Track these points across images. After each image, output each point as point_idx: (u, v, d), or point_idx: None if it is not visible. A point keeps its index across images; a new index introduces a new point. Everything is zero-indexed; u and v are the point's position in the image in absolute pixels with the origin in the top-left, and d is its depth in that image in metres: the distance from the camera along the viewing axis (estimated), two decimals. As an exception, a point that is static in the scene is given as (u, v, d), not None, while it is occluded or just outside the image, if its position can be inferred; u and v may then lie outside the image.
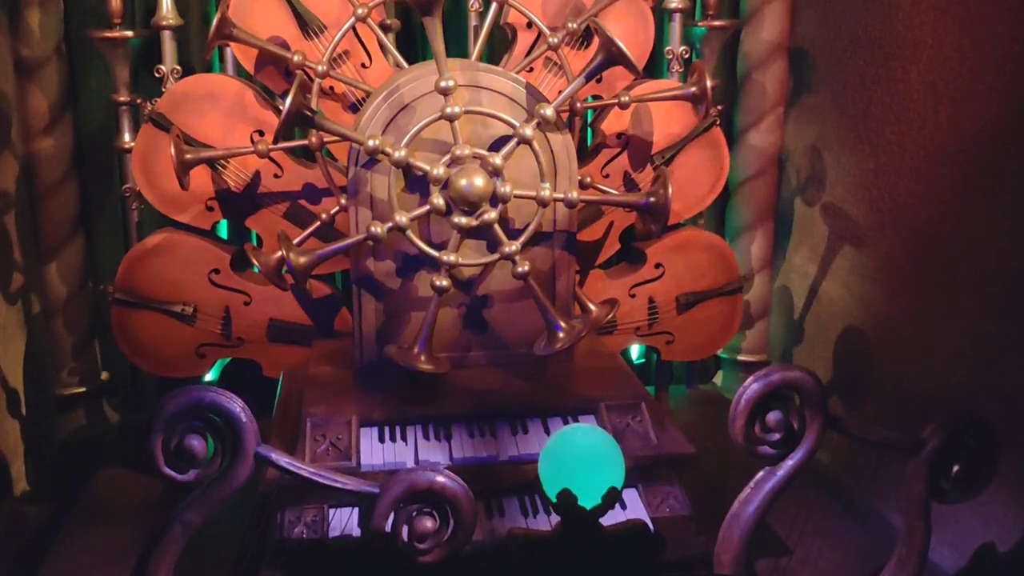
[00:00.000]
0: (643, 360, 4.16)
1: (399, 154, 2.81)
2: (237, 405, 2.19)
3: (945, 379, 3.10)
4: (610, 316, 3.48)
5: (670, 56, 3.69)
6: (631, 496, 2.77)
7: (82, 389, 3.84)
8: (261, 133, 3.26)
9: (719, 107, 3.52)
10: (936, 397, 3.12)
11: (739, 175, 4.04)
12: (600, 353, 3.30)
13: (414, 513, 2.18)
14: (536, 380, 3.06)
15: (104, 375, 3.95)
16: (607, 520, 2.23)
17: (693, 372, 4.30)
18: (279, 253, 2.92)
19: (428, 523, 2.18)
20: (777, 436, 2.33)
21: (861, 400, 3.57)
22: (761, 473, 2.39)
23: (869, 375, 3.52)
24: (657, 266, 3.62)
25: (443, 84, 2.78)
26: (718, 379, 4.39)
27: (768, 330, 4.23)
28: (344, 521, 2.58)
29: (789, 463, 2.35)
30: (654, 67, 3.74)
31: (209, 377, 3.58)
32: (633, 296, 3.63)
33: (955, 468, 2.44)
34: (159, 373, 3.51)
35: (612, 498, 2.20)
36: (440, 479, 2.16)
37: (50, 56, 3.53)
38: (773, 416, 2.32)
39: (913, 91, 3.22)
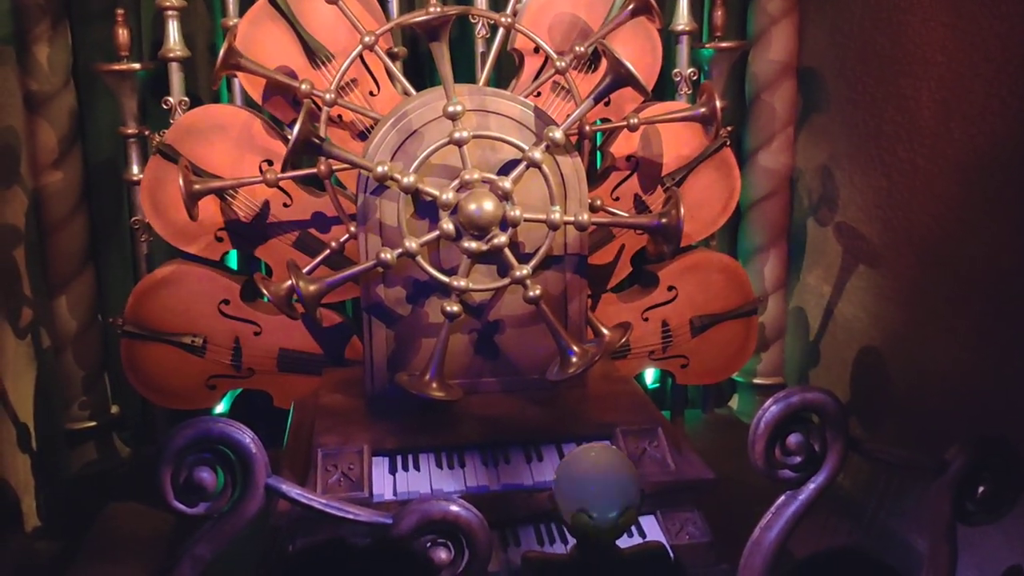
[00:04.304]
0: (658, 384, 4.11)
1: (408, 180, 2.80)
2: (247, 436, 2.15)
3: (965, 398, 3.05)
4: (623, 340, 3.44)
5: (678, 78, 3.68)
6: (650, 523, 2.73)
7: (92, 423, 3.81)
8: (270, 162, 3.25)
9: (729, 128, 3.52)
10: (956, 417, 3.07)
11: (751, 196, 4.01)
12: (614, 378, 3.27)
13: (428, 544, 2.14)
14: (550, 406, 3.02)
15: (114, 409, 3.92)
16: (625, 544, 2.19)
17: (708, 396, 4.25)
18: (289, 282, 2.90)
19: (442, 554, 2.14)
20: (798, 459, 2.27)
21: (880, 421, 3.52)
22: (782, 498, 2.33)
23: (887, 395, 3.47)
24: (670, 289, 3.58)
25: (451, 109, 2.78)
26: (734, 403, 4.34)
27: (784, 352, 4.19)
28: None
29: (811, 487, 2.30)
30: (663, 90, 3.73)
31: (220, 409, 3.55)
32: (646, 319, 3.59)
33: (980, 489, 2.38)
34: (169, 406, 3.49)
35: (629, 518, 2.16)
36: (454, 509, 2.12)
37: (59, 90, 3.54)
38: (794, 439, 2.26)
39: (924, 108, 3.20)
